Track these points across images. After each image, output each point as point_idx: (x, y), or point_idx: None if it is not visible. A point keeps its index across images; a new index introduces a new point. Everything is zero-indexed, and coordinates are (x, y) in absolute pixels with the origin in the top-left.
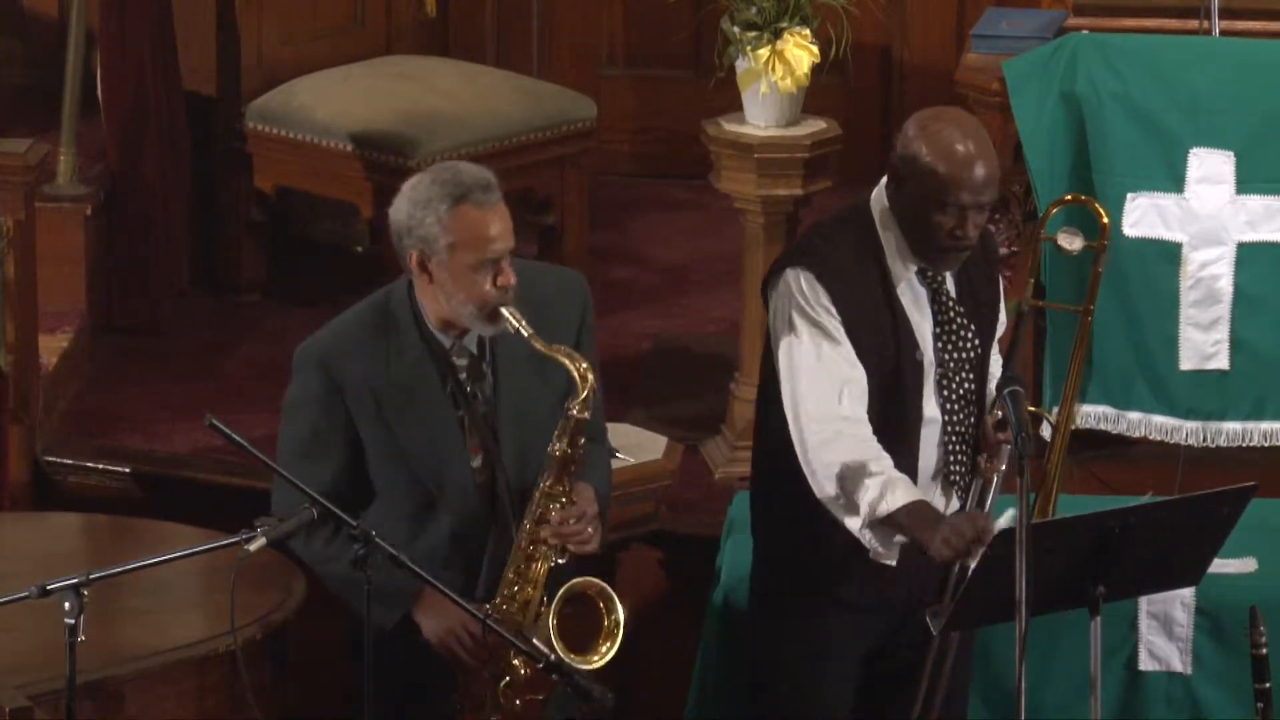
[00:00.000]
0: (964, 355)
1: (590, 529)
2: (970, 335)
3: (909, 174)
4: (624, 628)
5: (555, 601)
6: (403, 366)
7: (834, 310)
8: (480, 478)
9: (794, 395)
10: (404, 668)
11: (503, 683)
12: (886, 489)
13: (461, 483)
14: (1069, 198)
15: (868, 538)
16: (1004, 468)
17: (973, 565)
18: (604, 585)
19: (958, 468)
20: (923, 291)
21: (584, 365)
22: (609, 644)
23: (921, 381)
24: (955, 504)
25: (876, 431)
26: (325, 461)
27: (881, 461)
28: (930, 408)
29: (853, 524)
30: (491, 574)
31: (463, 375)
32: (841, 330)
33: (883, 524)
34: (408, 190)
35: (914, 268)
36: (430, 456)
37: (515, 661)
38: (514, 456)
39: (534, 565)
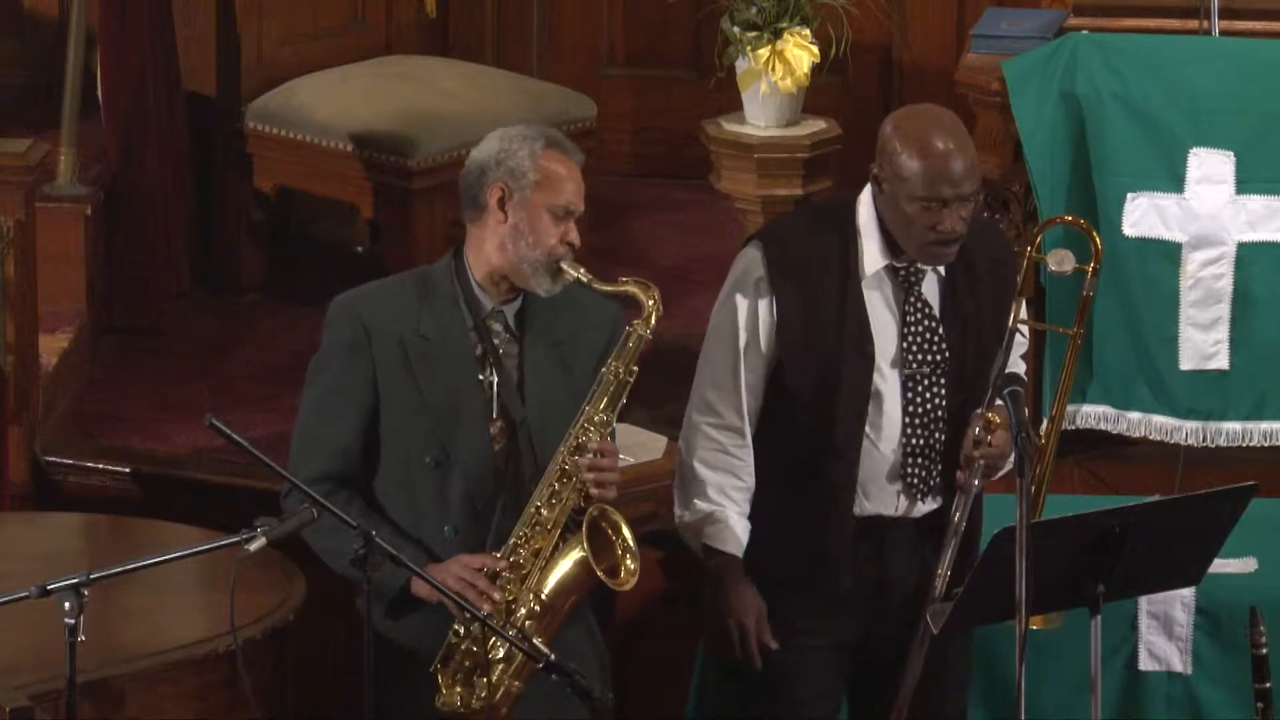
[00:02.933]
0: (932, 360)
1: (616, 477)
2: (938, 341)
3: (888, 174)
4: (632, 536)
5: (582, 534)
6: (435, 319)
7: (771, 290)
8: (497, 444)
9: (705, 370)
10: (396, 649)
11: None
12: (726, 524)
13: (477, 443)
14: (1069, 219)
15: (680, 524)
16: (977, 483)
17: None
18: (604, 509)
19: (921, 473)
20: (894, 291)
21: (655, 292)
22: (629, 558)
23: (869, 377)
24: (930, 505)
25: (814, 419)
26: (344, 419)
27: (741, 495)
28: (890, 408)
29: (677, 510)
30: (499, 544)
31: (497, 340)
32: (771, 316)
33: (691, 539)
34: (499, 132)
35: (888, 264)
36: (449, 410)
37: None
38: (536, 433)
39: (555, 505)
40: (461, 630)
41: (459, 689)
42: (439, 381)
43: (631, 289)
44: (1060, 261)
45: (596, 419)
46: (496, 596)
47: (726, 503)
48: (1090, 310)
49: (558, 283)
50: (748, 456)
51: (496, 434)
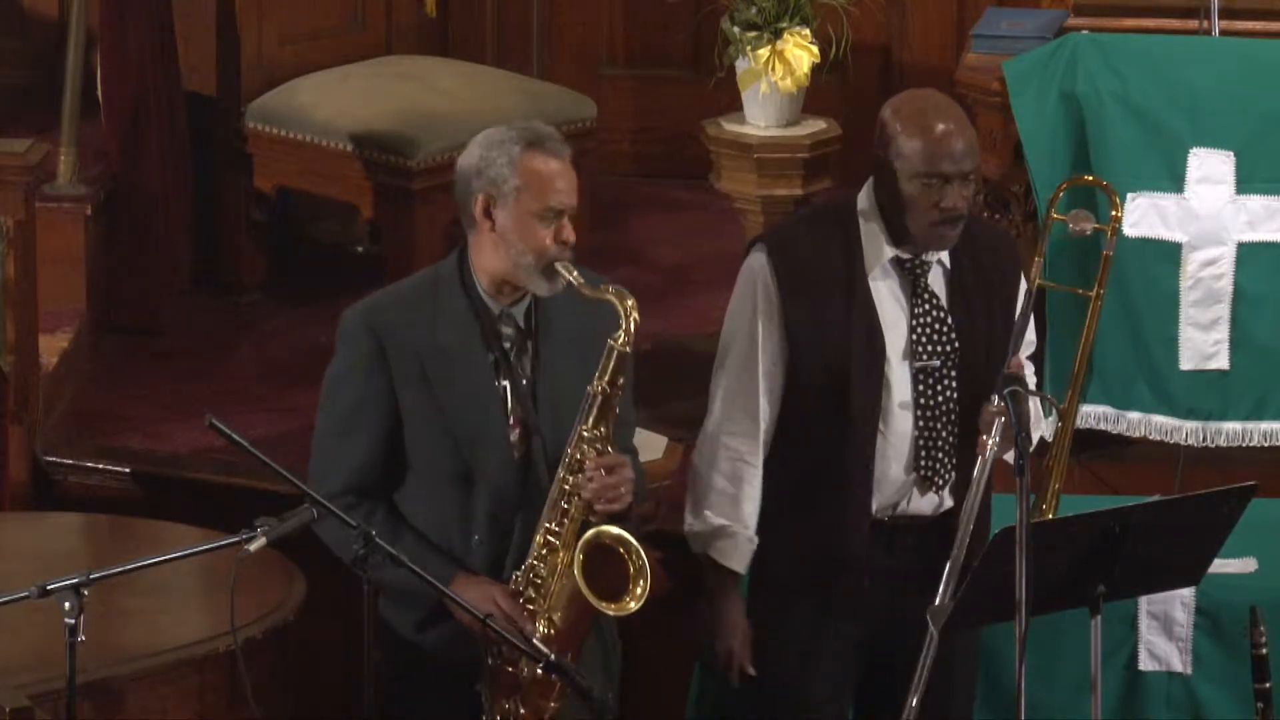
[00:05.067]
0: (943, 351)
1: (623, 488)
2: (947, 332)
3: (889, 157)
4: (650, 564)
5: (578, 553)
6: (448, 329)
7: (778, 294)
8: (518, 451)
9: (719, 381)
10: (430, 659)
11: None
12: (736, 542)
13: (499, 454)
14: (1087, 179)
15: (689, 530)
16: (999, 440)
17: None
18: (619, 531)
19: (937, 466)
20: (901, 283)
21: (630, 302)
22: (641, 583)
23: (881, 370)
24: (949, 502)
25: (828, 417)
26: (363, 435)
27: (753, 511)
28: (901, 400)
29: (689, 517)
30: (522, 549)
31: (508, 345)
32: (780, 320)
33: (698, 548)
34: (480, 137)
35: (893, 257)
36: (469, 423)
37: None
38: (550, 435)
39: (566, 523)
40: (498, 650)
41: (501, 708)
42: (457, 393)
43: (609, 297)
44: (1078, 221)
45: (588, 435)
46: (528, 628)
47: (739, 520)
48: (1109, 273)
49: (555, 283)
50: (760, 466)
51: (516, 440)
